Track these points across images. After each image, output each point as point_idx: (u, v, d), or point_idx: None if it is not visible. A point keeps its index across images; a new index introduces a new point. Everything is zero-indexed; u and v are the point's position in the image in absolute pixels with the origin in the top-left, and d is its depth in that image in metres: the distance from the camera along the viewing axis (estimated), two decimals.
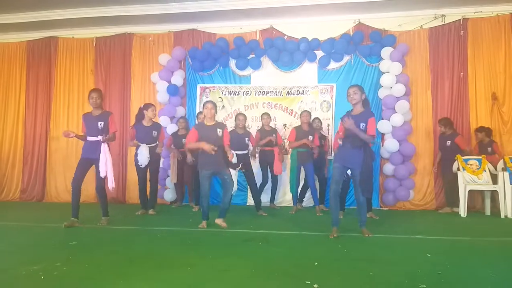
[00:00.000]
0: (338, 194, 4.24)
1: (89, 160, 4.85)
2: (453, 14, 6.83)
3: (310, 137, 5.94)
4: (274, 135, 6.33)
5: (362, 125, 4.08)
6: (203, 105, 4.91)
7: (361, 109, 4.22)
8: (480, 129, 6.43)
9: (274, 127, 6.69)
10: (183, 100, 7.54)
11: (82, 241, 3.85)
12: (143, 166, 5.74)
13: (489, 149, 6.32)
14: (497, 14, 6.71)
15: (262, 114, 6.54)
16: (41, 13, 7.39)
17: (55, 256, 3.22)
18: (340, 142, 4.37)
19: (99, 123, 4.83)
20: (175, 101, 7.35)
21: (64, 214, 5.98)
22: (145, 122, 5.85)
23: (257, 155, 6.56)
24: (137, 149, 5.78)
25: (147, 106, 5.94)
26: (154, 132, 5.86)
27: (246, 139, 6.02)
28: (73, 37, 8.00)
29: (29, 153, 7.97)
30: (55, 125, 7.94)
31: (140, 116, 5.89)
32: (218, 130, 4.77)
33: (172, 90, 7.26)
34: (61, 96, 7.94)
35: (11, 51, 8.22)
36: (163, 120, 7.14)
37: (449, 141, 6.32)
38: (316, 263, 3.00)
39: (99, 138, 4.77)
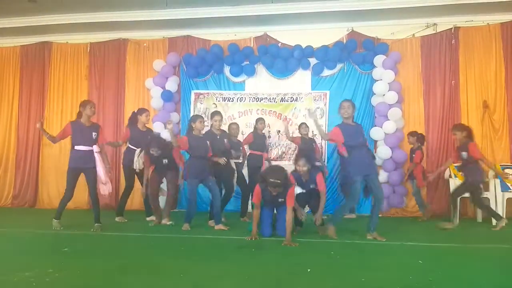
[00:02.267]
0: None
1: (80, 169, 4.87)
2: (445, 23, 6.93)
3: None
4: (264, 141, 6.40)
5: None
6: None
7: (353, 124, 4.54)
8: (413, 133, 6.35)
9: (267, 133, 6.74)
10: (177, 106, 7.55)
11: (75, 248, 3.83)
12: (137, 170, 5.72)
13: (413, 155, 6.26)
14: (488, 23, 6.81)
15: (258, 119, 6.54)
16: (35, 18, 7.38)
17: (47, 262, 3.20)
18: (345, 154, 4.51)
19: (93, 133, 4.88)
20: (169, 107, 7.36)
21: None
22: (140, 127, 5.86)
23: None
24: (127, 152, 5.80)
25: (141, 111, 5.96)
26: (148, 136, 5.85)
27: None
28: (67, 42, 7.99)
29: (21, 158, 7.90)
30: (48, 130, 7.78)
31: (133, 120, 5.89)
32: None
33: (166, 96, 7.27)
34: (55, 101, 7.91)
35: (5, 56, 8.18)
36: (157, 126, 7.14)
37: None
38: (309, 270, 3.01)
39: (94, 148, 4.83)
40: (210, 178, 5.10)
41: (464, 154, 5.25)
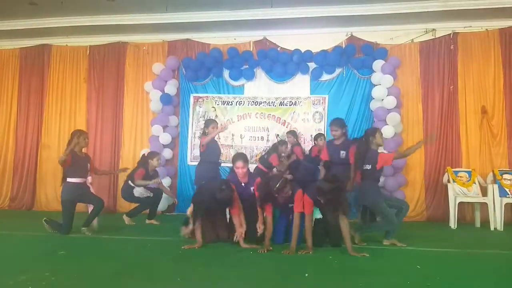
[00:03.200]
0: None
1: (77, 201, 4.85)
2: (443, 28, 6.95)
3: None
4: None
5: (342, 153, 4.68)
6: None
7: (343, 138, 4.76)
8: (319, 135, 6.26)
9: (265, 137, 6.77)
10: (176, 109, 7.55)
11: (71, 251, 3.81)
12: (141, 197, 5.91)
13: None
14: (486, 29, 6.84)
15: (287, 132, 6.74)
16: (35, 20, 7.40)
17: (44, 265, 3.18)
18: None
19: (88, 164, 4.93)
20: (168, 110, 7.36)
21: None
22: (150, 169, 5.95)
23: None
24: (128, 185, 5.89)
25: (152, 155, 6.03)
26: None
27: None
28: (66, 45, 7.99)
29: (19, 160, 7.89)
30: (46, 133, 7.89)
31: (143, 162, 5.98)
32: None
33: (165, 99, 7.27)
34: (53, 104, 7.90)
35: (4, 58, 8.18)
36: (155, 130, 7.16)
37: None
38: (306, 275, 3.00)
39: (89, 179, 4.97)
40: None
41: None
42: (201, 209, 3.92)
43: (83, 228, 4.82)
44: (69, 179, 4.74)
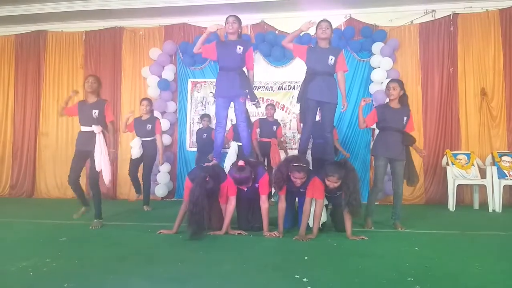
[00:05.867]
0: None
1: (84, 152, 4.42)
2: (443, 9, 6.88)
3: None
4: (274, 127, 6.37)
5: (405, 118, 4.34)
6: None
7: (399, 105, 4.38)
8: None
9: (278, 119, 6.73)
10: (174, 94, 7.52)
11: (72, 237, 3.83)
12: (133, 157, 5.83)
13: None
14: (486, 10, 6.77)
15: (267, 105, 6.60)
16: (29, 6, 7.32)
17: (45, 252, 3.20)
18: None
19: (94, 111, 4.36)
20: (166, 95, 7.32)
21: (54, 210, 6.00)
22: (142, 116, 5.96)
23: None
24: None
25: (141, 100, 6.11)
26: (148, 125, 5.88)
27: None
28: (62, 31, 7.92)
29: (18, 148, 7.89)
30: (44, 120, 7.87)
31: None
32: None
33: (163, 84, 7.23)
34: (51, 91, 7.87)
35: None
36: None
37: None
38: (306, 258, 3.02)
39: (94, 128, 4.32)
40: None
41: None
42: (189, 199, 3.69)
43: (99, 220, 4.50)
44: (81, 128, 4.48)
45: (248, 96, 4.49)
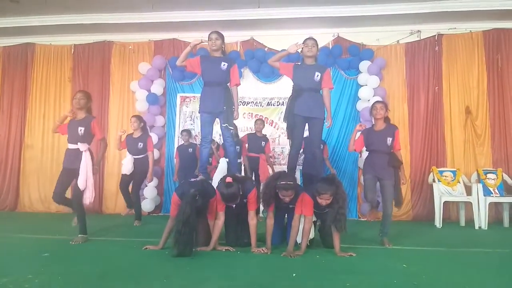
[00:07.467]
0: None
1: (70, 170, 4.32)
2: (429, 30, 7.05)
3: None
4: (263, 142, 6.39)
5: (388, 139, 4.35)
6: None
7: (384, 125, 4.43)
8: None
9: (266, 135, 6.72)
10: (162, 109, 7.50)
11: (55, 253, 3.74)
12: (124, 173, 5.81)
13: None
14: (470, 31, 6.95)
15: (256, 120, 6.62)
16: (18, 19, 7.28)
17: (27, 268, 3.11)
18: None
19: (80, 128, 4.29)
20: (154, 110, 7.30)
21: (38, 224, 5.86)
22: (134, 133, 5.96)
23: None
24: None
25: (131, 117, 6.11)
26: (139, 143, 5.87)
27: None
28: (50, 44, 7.88)
29: (2, 161, 7.74)
30: (30, 133, 7.76)
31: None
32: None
33: (152, 99, 7.21)
34: (37, 104, 7.78)
35: None
36: None
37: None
38: (294, 275, 2.99)
39: (79, 146, 4.26)
40: None
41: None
42: (179, 218, 3.59)
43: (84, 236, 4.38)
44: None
45: (226, 124, 4.44)
